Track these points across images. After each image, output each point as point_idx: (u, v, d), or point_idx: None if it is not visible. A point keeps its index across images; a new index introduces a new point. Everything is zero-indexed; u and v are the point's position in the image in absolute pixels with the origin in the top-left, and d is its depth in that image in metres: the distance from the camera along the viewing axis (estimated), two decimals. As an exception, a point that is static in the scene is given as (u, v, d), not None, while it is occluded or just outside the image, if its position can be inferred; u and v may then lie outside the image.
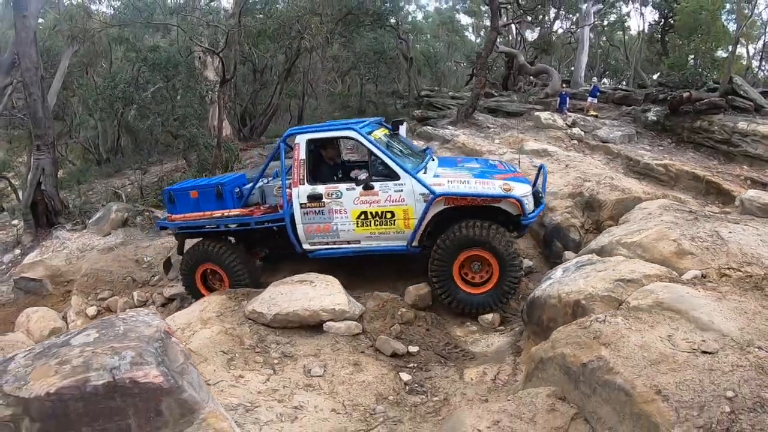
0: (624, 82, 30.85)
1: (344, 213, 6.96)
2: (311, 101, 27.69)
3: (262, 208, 7.71)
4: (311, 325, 5.97)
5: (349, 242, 7.12)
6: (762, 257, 5.78)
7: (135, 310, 3.54)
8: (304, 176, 7.03)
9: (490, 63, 22.16)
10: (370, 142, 6.95)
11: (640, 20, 34.27)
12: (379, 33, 21.99)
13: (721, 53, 29.59)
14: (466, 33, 39.75)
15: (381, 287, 7.24)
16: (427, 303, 6.92)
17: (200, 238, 7.94)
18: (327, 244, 7.19)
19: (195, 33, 14.20)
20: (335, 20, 19.03)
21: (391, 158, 6.87)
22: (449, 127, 15.48)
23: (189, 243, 8.15)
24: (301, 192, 7.03)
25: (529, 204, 6.70)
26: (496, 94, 21.37)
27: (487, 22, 22.27)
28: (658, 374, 3.37)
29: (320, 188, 7.00)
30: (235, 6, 17.47)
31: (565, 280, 5.34)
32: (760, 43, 33.92)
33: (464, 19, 39.33)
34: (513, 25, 26.11)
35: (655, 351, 3.60)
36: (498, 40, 19.30)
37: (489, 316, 6.75)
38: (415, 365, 5.68)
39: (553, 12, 28.79)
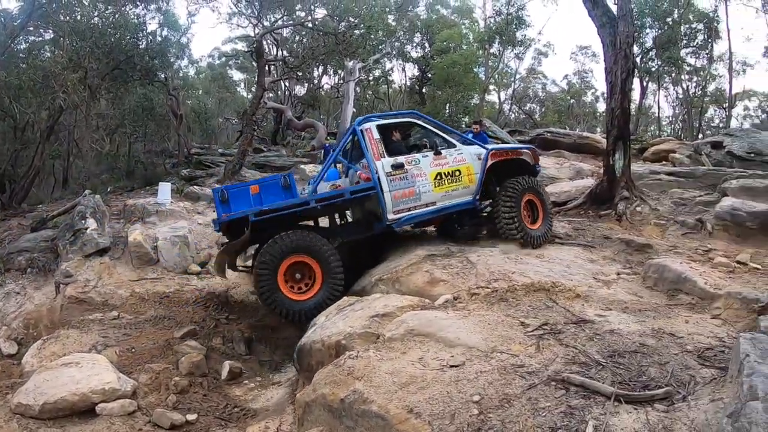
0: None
1: (424, 176, 8.01)
2: (78, 162, 25.62)
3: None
4: (84, 411, 5.53)
5: (427, 205, 8.00)
6: (508, 272, 6.70)
7: None
8: (383, 151, 7.95)
9: (260, 119, 22.55)
10: (430, 121, 8.86)
11: (402, 75, 37.63)
12: (148, 89, 21.25)
13: (475, 100, 33.63)
14: (238, 88, 39.95)
15: (153, 359, 6.98)
16: (203, 371, 6.77)
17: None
18: (410, 209, 7.90)
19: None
20: (101, 75, 17.99)
21: (448, 131, 8.90)
22: (216, 185, 15.38)
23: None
24: (385, 163, 7.87)
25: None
26: (265, 149, 21.93)
27: (260, 78, 22.78)
28: (408, 395, 3.71)
29: (401, 158, 8.01)
30: (-3, 54, 15.77)
31: (327, 324, 5.65)
32: (511, 90, 39.35)
33: (237, 75, 39.62)
34: (282, 82, 26.94)
35: (405, 374, 3.96)
36: (267, 95, 19.83)
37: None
38: (196, 433, 5.51)
39: (321, 68, 30.30)
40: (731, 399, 2.96)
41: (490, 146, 8.83)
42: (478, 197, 8.38)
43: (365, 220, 8.34)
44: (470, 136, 11.48)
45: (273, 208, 7.42)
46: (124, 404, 5.67)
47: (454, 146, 8.38)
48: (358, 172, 8.26)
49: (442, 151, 8.20)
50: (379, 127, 8.12)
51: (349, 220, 9.40)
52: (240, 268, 8.85)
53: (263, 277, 7.20)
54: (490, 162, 8.41)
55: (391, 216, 7.76)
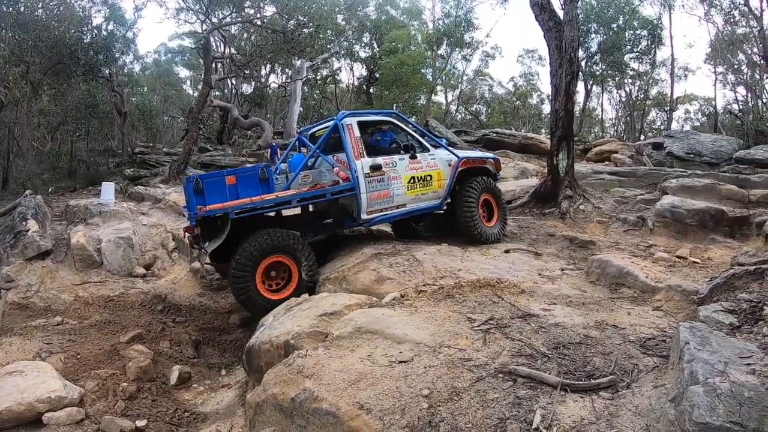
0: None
1: (399, 179, 8.16)
2: (18, 161, 24.65)
3: (322, 184, 8.14)
4: (31, 421, 5.33)
5: (398, 206, 8.18)
6: (454, 269, 6.78)
7: None
8: (362, 150, 7.96)
9: (206, 117, 22.21)
10: (408, 123, 9.09)
11: (350, 74, 37.75)
12: (92, 85, 20.63)
13: (422, 101, 34.02)
14: (184, 86, 39.28)
15: (99, 365, 6.77)
16: (151, 376, 6.57)
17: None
18: (381, 211, 8.04)
19: None
20: (44, 69, 17.34)
21: (425, 135, 9.08)
22: (161, 185, 15.21)
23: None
24: (364, 163, 7.88)
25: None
26: (211, 148, 21.60)
27: (207, 75, 22.39)
28: (358, 391, 3.74)
29: (379, 159, 8.05)
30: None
31: (275, 325, 5.59)
32: (458, 91, 39.89)
33: (183, 72, 38.94)
34: (229, 79, 26.55)
35: (355, 371, 3.98)
36: (214, 93, 19.53)
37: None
38: (146, 440, 5.36)
39: (268, 66, 29.99)
40: (673, 384, 3.09)
41: (461, 154, 9.10)
42: (444, 202, 8.63)
43: (337, 217, 8.36)
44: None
45: (256, 206, 7.25)
46: (72, 412, 5.50)
47: (428, 150, 8.59)
48: (336, 169, 8.11)
49: (418, 156, 8.39)
50: (360, 124, 8.16)
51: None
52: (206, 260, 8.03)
53: (241, 278, 7.02)
54: (459, 169, 8.70)
55: (364, 216, 7.88)
